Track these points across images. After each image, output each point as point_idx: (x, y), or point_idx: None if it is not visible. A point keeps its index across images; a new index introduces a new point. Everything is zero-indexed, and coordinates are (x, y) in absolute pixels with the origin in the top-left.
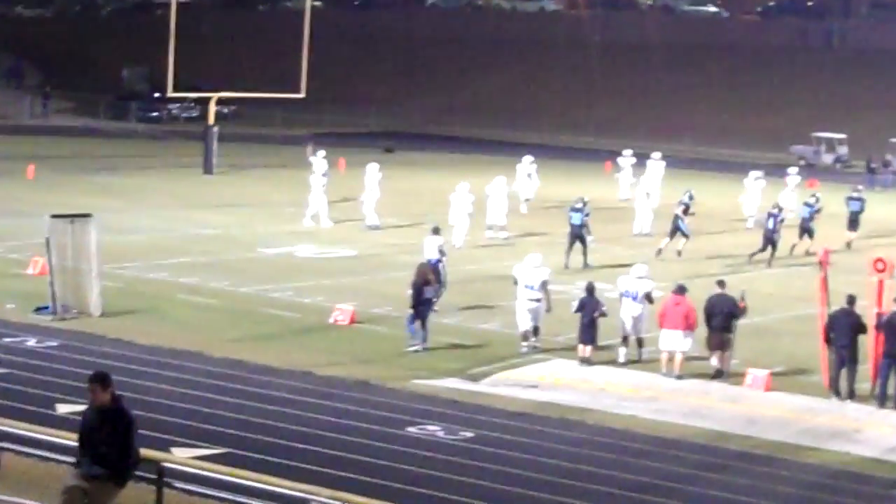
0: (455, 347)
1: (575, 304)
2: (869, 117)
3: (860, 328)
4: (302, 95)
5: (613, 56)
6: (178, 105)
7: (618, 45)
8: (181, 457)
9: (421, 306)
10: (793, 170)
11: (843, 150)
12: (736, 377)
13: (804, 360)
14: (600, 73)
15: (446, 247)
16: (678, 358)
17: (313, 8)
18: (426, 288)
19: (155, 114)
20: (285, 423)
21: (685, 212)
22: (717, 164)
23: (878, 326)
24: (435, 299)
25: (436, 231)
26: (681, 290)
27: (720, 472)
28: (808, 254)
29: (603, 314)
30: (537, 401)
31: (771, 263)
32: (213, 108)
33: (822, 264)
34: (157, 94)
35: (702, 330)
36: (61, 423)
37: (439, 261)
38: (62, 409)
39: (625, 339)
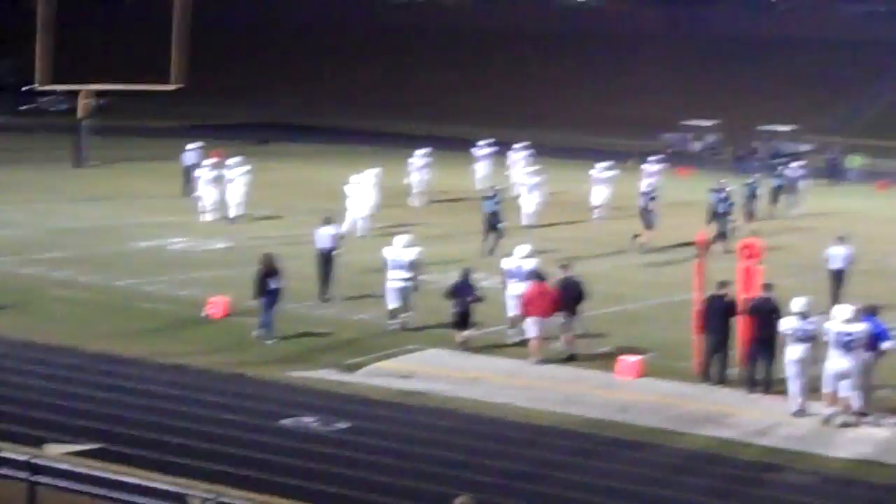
0: (330, 338)
1: (448, 288)
2: (737, 105)
3: (732, 313)
4: (175, 87)
5: (487, 45)
6: (48, 98)
7: (491, 33)
8: (54, 452)
9: (266, 296)
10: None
11: (711, 137)
12: (608, 364)
13: (676, 346)
14: (473, 63)
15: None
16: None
17: None
18: (269, 279)
19: (25, 107)
20: (160, 417)
21: None
22: (589, 152)
23: (747, 311)
24: (279, 288)
25: (328, 221)
26: (539, 276)
27: (593, 458)
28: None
29: (477, 299)
30: (412, 390)
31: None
32: (83, 100)
33: (699, 249)
34: (26, 87)
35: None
36: None
37: (333, 249)
38: None
39: (513, 322)
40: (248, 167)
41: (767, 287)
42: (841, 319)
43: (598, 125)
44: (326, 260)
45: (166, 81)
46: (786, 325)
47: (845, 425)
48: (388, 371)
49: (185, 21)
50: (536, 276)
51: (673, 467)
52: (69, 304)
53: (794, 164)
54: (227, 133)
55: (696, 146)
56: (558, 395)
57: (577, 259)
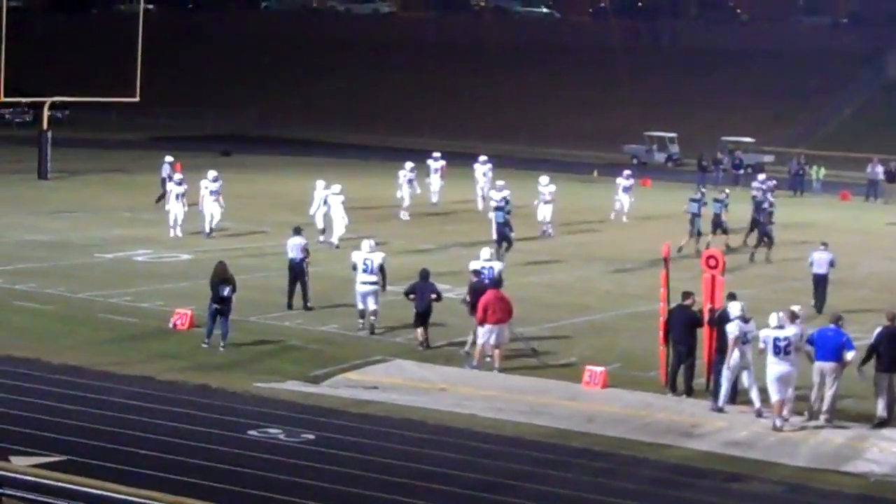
0: (296, 349)
1: (406, 287)
2: (700, 116)
3: (697, 324)
4: (137, 99)
5: (448, 58)
6: (10, 110)
7: (452, 46)
8: (19, 465)
9: (220, 304)
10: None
11: (674, 148)
12: (575, 374)
13: (642, 357)
14: (435, 75)
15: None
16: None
17: (147, 11)
18: (223, 286)
19: None
20: (125, 429)
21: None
22: (551, 164)
23: (711, 322)
24: (230, 295)
25: (297, 231)
26: (497, 284)
27: (561, 469)
28: (728, 249)
29: (437, 298)
30: (378, 402)
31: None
32: (46, 112)
33: (665, 261)
34: None
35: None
36: None
37: (304, 259)
38: None
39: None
40: (220, 183)
41: (731, 297)
42: (773, 325)
43: (562, 137)
44: (296, 270)
45: (128, 94)
46: (730, 329)
47: (804, 429)
48: (353, 382)
49: (147, 34)
50: (496, 282)
51: (639, 478)
52: (33, 317)
53: (760, 177)
54: (188, 145)
55: (660, 157)
56: (524, 406)
57: (543, 269)
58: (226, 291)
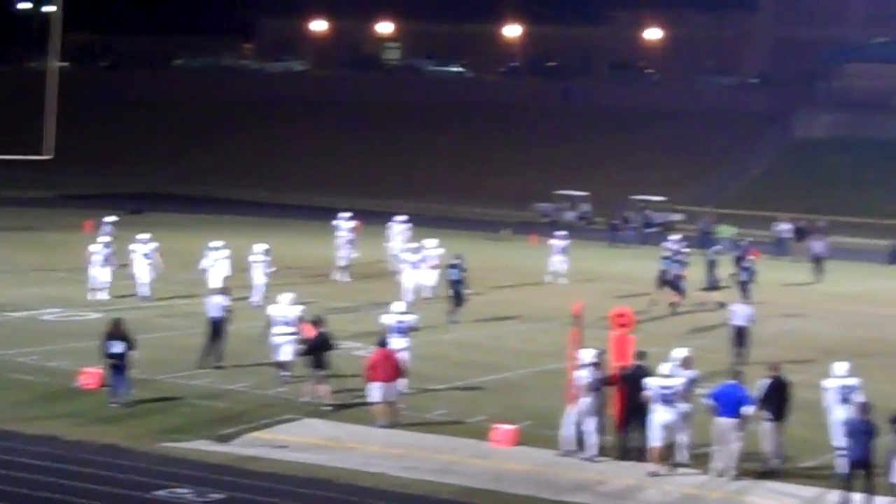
0: (205, 408)
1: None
2: (611, 175)
3: (606, 381)
4: (49, 157)
5: (362, 116)
6: None
7: (366, 104)
8: None
9: (113, 360)
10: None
11: (585, 207)
12: (484, 432)
13: (551, 415)
14: (349, 133)
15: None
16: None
17: (60, 69)
18: (112, 343)
19: None
20: (31, 490)
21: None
22: (463, 223)
23: (621, 379)
24: (123, 352)
25: (219, 291)
26: (384, 343)
27: None
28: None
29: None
30: (287, 461)
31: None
32: None
33: (576, 318)
34: None
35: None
36: None
37: (222, 318)
38: None
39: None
40: (156, 244)
41: (640, 355)
42: (664, 373)
43: (475, 195)
44: (216, 329)
45: (38, 151)
46: (581, 376)
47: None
48: (263, 441)
49: (61, 91)
50: (382, 342)
51: None
52: None
53: (672, 237)
54: (100, 203)
55: (570, 216)
56: (433, 464)
57: (452, 327)
58: (116, 348)
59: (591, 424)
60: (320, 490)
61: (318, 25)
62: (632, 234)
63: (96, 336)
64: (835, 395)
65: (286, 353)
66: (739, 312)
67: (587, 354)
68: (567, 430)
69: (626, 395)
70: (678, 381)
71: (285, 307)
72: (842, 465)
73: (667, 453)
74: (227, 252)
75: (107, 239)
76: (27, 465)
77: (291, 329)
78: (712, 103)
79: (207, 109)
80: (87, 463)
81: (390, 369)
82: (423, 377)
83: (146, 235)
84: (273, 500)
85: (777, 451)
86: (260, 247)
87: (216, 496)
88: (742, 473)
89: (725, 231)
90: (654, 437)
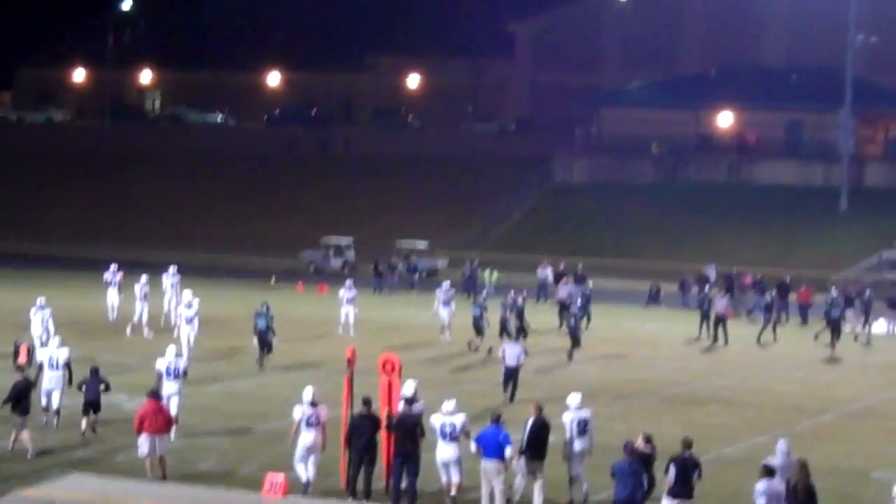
0: None
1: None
2: (375, 221)
3: (377, 428)
4: None
5: (124, 165)
6: None
7: (128, 154)
8: None
9: None
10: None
11: (350, 254)
12: (256, 483)
13: (324, 462)
14: (111, 183)
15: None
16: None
17: None
18: None
19: None
20: None
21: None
22: (229, 272)
23: (389, 427)
24: None
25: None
26: (157, 395)
27: None
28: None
29: (106, 388)
30: None
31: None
32: None
33: (349, 364)
34: None
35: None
36: None
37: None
38: None
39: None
40: None
41: (410, 401)
42: (445, 411)
43: (240, 244)
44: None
45: None
46: (298, 412)
47: None
48: (29, 499)
49: None
50: (153, 393)
51: None
52: None
53: (445, 284)
54: None
55: (335, 263)
56: None
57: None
58: None
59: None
60: None
61: (78, 75)
62: (397, 281)
63: None
64: (571, 427)
65: (52, 396)
66: (510, 352)
67: (307, 394)
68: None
69: (396, 441)
70: (459, 419)
71: (54, 350)
72: None
73: (448, 489)
74: None
75: None
76: None
77: (59, 373)
78: (474, 149)
79: None
80: None
81: (161, 421)
82: (192, 427)
83: None
84: None
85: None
86: (41, 300)
87: None
88: None
89: (490, 275)
90: (441, 474)
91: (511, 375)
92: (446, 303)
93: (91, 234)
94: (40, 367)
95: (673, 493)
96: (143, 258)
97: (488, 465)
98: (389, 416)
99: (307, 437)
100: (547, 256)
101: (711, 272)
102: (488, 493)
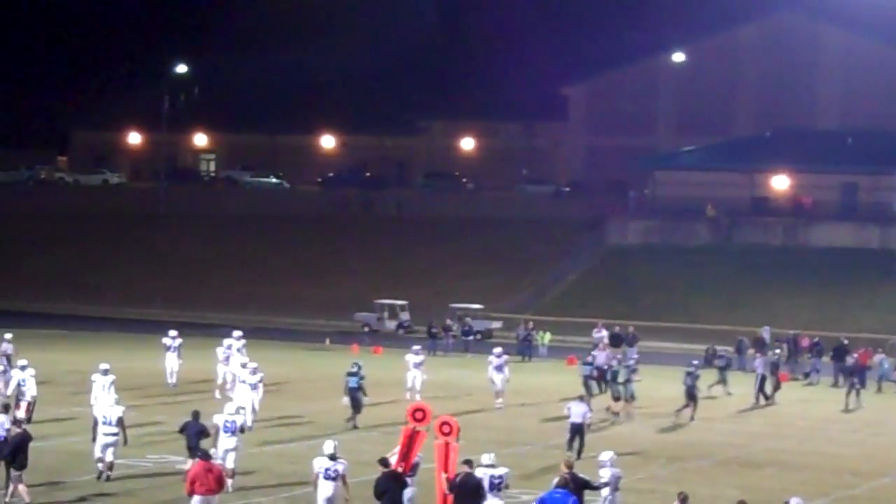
0: None
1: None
2: (429, 283)
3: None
4: None
5: (178, 227)
6: None
7: (182, 216)
8: None
9: None
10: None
11: (405, 316)
12: None
13: None
14: (166, 245)
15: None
16: None
17: None
18: None
19: None
20: None
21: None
22: (283, 333)
23: (450, 489)
24: None
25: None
26: (206, 455)
27: None
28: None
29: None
30: None
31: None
32: None
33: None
34: None
35: None
36: None
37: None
38: None
39: None
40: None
41: (468, 463)
42: (486, 463)
43: (293, 306)
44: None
45: None
46: (317, 464)
47: None
48: None
49: None
50: (203, 454)
51: None
52: None
53: (497, 350)
54: None
55: (390, 324)
56: None
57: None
58: None
59: None
60: None
61: (133, 138)
62: (451, 343)
63: None
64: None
65: (101, 452)
66: (575, 410)
67: (327, 447)
68: None
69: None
70: (503, 471)
71: (108, 407)
72: None
73: None
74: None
75: None
76: None
77: (114, 430)
78: (527, 211)
79: (21, 223)
80: None
81: (212, 481)
82: (243, 483)
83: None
84: None
85: None
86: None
87: None
88: None
89: (544, 338)
90: None
91: (577, 431)
92: (499, 368)
93: (145, 296)
94: (95, 423)
95: None
96: (192, 318)
97: None
98: (449, 480)
99: (326, 489)
100: (601, 319)
101: (767, 335)
102: None
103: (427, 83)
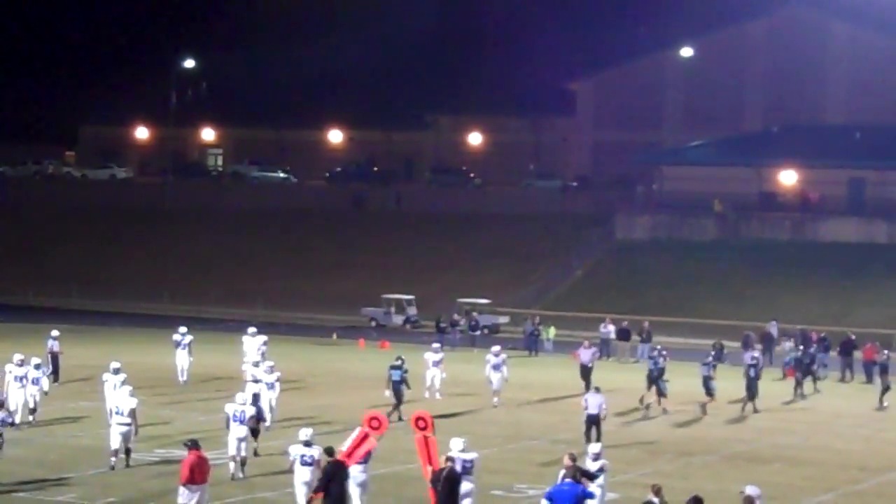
0: None
1: None
2: (436, 278)
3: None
4: None
5: (186, 222)
6: None
7: (190, 211)
8: None
9: None
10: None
11: (412, 310)
12: None
13: None
14: (173, 240)
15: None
16: None
17: None
18: None
19: None
20: None
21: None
22: (290, 328)
23: (434, 482)
24: None
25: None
26: (197, 445)
27: None
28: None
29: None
30: None
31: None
32: None
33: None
34: None
35: None
36: None
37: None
38: None
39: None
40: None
41: (450, 458)
42: (457, 449)
43: (301, 300)
44: None
45: None
46: (293, 451)
47: None
48: None
49: None
50: (194, 443)
51: None
52: None
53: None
54: None
55: (397, 319)
56: None
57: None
58: None
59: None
60: None
61: (141, 133)
62: (458, 338)
63: None
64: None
65: (117, 441)
66: (592, 401)
67: (302, 434)
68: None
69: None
70: (473, 455)
71: (123, 398)
72: None
73: None
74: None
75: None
76: None
77: (126, 420)
78: (535, 206)
79: (28, 217)
80: None
81: (205, 471)
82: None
83: (19, 356)
84: None
85: None
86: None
87: None
88: None
89: (550, 332)
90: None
91: (593, 422)
92: (496, 367)
93: (153, 290)
94: (110, 413)
95: None
96: (197, 313)
97: None
98: (434, 472)
99: (304, 474)
100: (609, 314)
101: (774, 330)
102: None
103: (434, 78)
